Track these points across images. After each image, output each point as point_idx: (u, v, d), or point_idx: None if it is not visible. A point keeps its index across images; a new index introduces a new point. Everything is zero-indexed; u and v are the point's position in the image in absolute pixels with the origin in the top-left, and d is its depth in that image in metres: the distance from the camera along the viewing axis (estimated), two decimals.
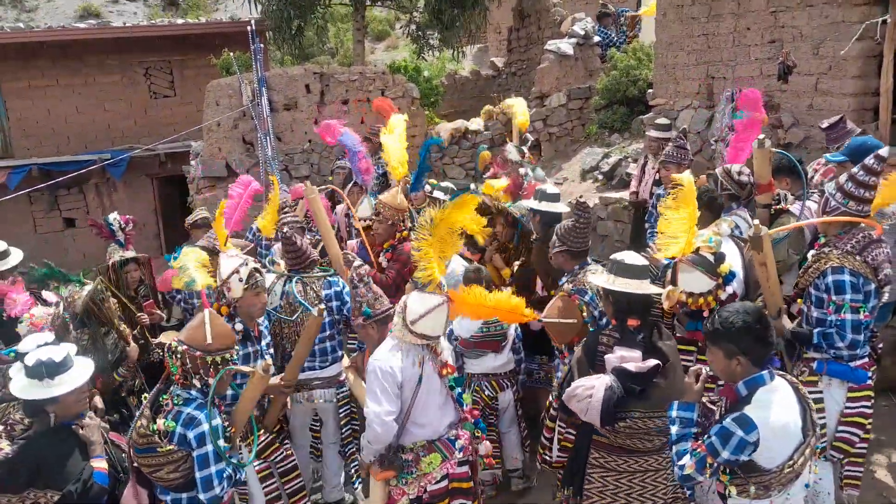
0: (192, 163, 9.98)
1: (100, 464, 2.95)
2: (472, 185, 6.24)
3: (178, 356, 2.92)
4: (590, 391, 2.92)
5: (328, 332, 4.32)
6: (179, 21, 14.79)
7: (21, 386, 2.95)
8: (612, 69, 9.61)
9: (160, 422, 2.87)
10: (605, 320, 3.58)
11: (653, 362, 2.95)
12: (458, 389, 3.40)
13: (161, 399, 2.96)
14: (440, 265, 3.33)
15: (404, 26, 13.13)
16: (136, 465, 2.96)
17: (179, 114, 12.92)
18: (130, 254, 5.43)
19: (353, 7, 12.20)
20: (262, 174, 8.98)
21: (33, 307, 4.19)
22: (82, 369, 3.06)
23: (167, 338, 4.90)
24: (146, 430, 2.85)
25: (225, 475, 2.93)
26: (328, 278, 4.38)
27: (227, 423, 3.08)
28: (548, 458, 3.63)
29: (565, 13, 11.51)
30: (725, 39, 7.36)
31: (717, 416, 2.70)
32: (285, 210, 5.62)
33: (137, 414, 3.02)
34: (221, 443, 2.92)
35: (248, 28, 9.70)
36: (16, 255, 5.29)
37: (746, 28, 7.12)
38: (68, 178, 10.89)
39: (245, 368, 3.21)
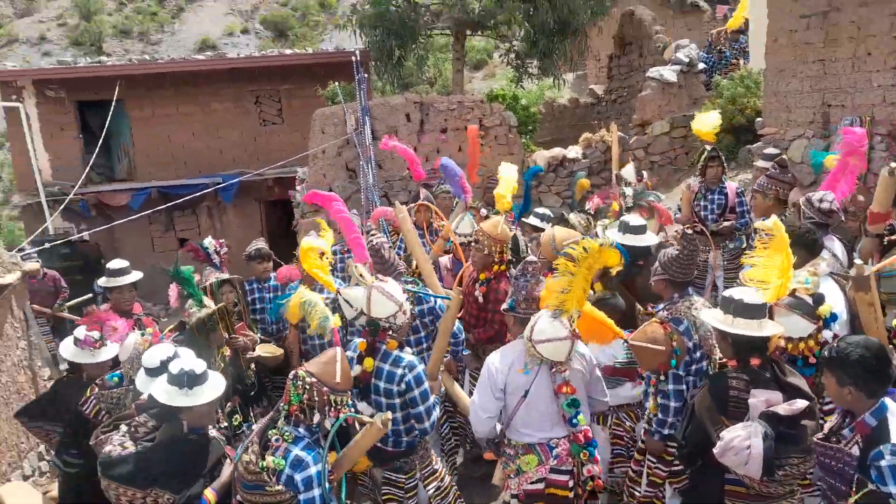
0: (298, 188, 10.40)
1: (210, 495, 3.06)
2: (571, 214, 6.17)
3: (306, 388, 2.90)
4: (746, 442, 2.79)
5: (424, 345, 4.42)
6: (288, 52, 15.53)
7: (162, 391, 3.11)
8: (718, 97, 9.32)
9: (269, 459, 2.86)
10: (699, 353, 3.56)
11: (802, 403, 2.85)
12: (574, 411, 3.33)
13: (269, 433, 2.96)
14: (581, 298, 3.37)
15: (503, 55, 13.25)
16: (238, 499, 2.98)
17: (286, 141, 13.52)
18: (225, 276, 5.70)
19: (453, 37, 12.43)
20: (364, 201, 9.25)
21: (131, 333, 4.43)
22: (217, 384, 3.23)
23: (263, 349, 5.10)
24: (255, 468, 2.85)
25: None
26: (419, 294, 4.42)
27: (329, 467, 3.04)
28: (637, 492, 3.60)
29: (668, 40, 11.29)
30: (844, 65, 6.99)
31: (850, 451, 2.60)
32: (371, 231, 5.76)
33: (242, 446, 3.06)
34: (323, 489, 2.88)
35: (353, 59, 10.08)
36: (134, 275, 5.66)
37: (867, 53, 6.74)
38: (183, 200, 11.62)
39: (365, 418, 3.14)
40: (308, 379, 2.92)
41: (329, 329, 3.75)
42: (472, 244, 5.06)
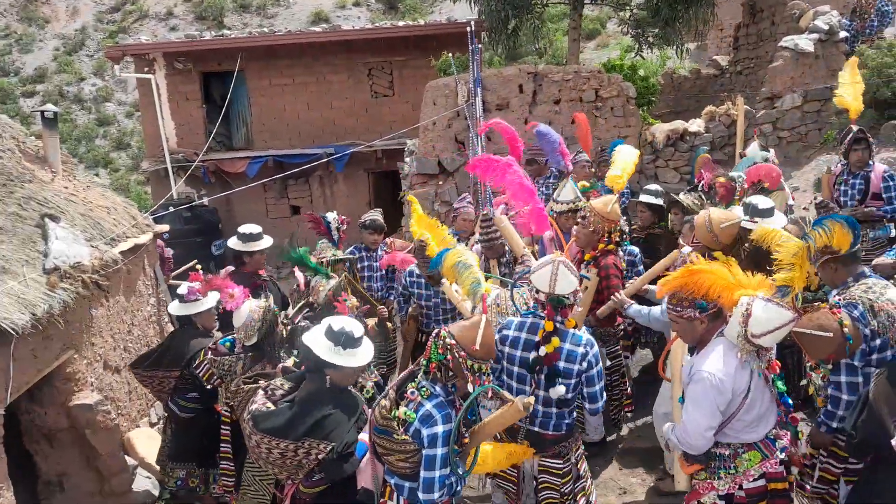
0: (407, 159, 10.45)
1: (363, 436, 3.17)
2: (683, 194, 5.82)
3: (445, 347, 2.91)
4: None
5: None
6: (401, 24, 15.57)
7: (319, 343, 3.19)
8: (861, 67, 8.52)
9: (401, 409, 2.91)
10: (878, 342, 3.24)
11: None
12: (782, 387, 3.13)
13: (408, 385, 3.00)
14: (803, 278, 3.27)
15: (621, 24, 12.71)
16: (373, 441, 3.07)
17: (397, 112, 13.62)
18: (341, 254, 5.78)
19: (570, 6, 12.03)
20: (471, 174, 9.16)
21: (247, 300, 4.57)
22: (368, 351, 3.29)
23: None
24: (387, 413, 2.92)
25: (447, 482, 2.91)
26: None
27: (463, 436, 3.03)
28: (808, 486, 3.40)
29: (805, 6, 10.42)
30: None
31: None
32: (486, 220, 5.62)
33: (384, 393, 3.12)
34: (447, 450, 2.87)
35: (468, 29, 9.93)
36: (267, 240, 5.86)
37: None
38: (297, 170, 11.99)
39: (506, 395, 3.12)
40: (448, 340, 2.91)
41: (479, 295, 3.61)
42: (579, 221, 4.88)
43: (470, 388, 2.92)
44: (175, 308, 4.84)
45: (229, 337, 4.27)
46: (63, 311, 4.47)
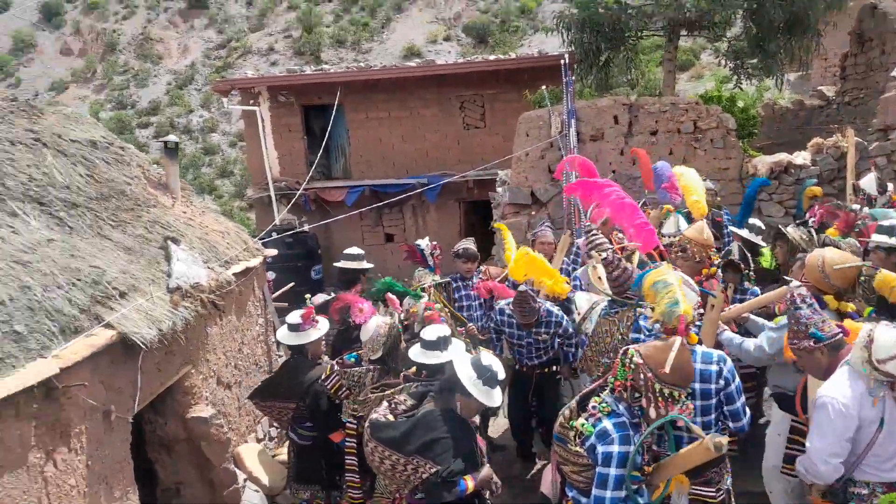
0: (499, 189, 10.58)
1: (470, 482, 3.18)
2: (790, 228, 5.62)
3: (631, 367, 2.81)
4: None
5: None
6: (492, 58, 15.86)
7: (465, 372, 3.29)
8: None
9: (580, 421, 2.87)
10: None
11: None
12: None
13: (593, 398, 2.95)
14: None
15: (720, 55, 12.50)
16: (553, 448, 3.08)
17: (488, 144, 13.83)
18: (437, 279, 5.92)
19: (665, 37, 11.95)
20: (565, 203, 9.18)
21: (374, 315, 4.75)
22: (500, 396, 3.38)
23: None
24: (566, 422, 2.93)
25: None
26: (638, 319, 4.26)
27: (646, 464, 2.88)
28: None
29: None
30: None
31: None
32: (592, 231, 5.62)
33: (568, 405, 3.09)
34: (623, 472, 2.74)
35: (562, 62, 10.06)
36: (367, 264, 6.12)
37: None
38: (392, 200, 12.33)
39: (696, 430, 2.89)
40: (635, 358, 2.81)
41: (676, 315, 3.46)
42: (678, 253, 4.90)
43: (653, 413, 2.76)
44: (285, 337, 4.99)
45: (353, 354, 4.47)
46: (184, 328, 4.79)
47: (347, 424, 4.40)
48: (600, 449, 2.77)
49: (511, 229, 9.28)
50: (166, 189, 6.19)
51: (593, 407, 2.88)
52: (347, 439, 4.41)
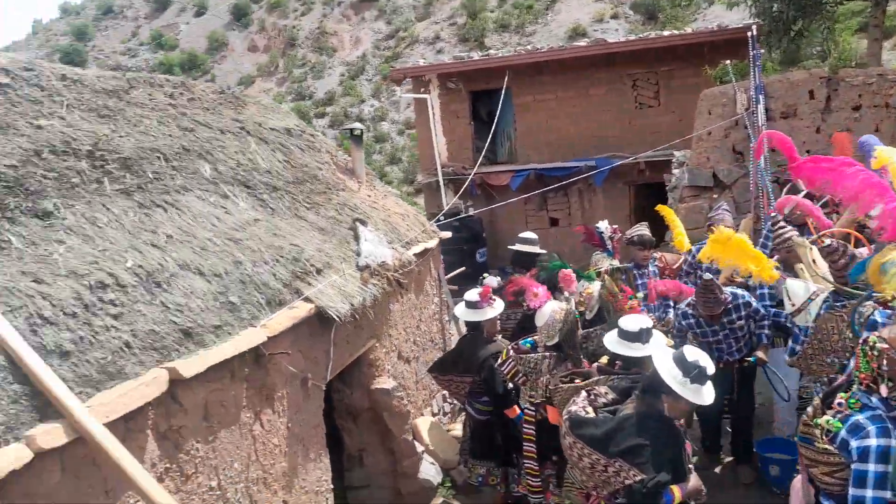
0: (676, 171, 10.08)
1: (677, 492, 3.01)
2: None
3: (875, 353, 2.60)
4: None
5: None
6: (666, 33, 15.09)
7: (666, 367, 3.09)
8: None
9: (825, 418, 2.71)
10: None
11: None
12: None
13: (839, 395, 2.78)
14: None
15: None
16: (800, 452, 2.90)
17: (661, 123, 13.21)
18: (616, 263, 5.72)
19: (871, 2, 10.70)
20: (752, 186, 8.55)
21: (549, 300, 4.69)
22: (711, 392, 3.14)
23: None
24: (809, 420, 2.77)
25: None
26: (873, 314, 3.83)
27: None
28: None
29: None
30: None
31: None
32: (777, 223, 5.15)
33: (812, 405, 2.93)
34: (886, 469, 2.54)
35: (748, 34, 9.33)
36: (539, 248, 6.09)
37: None
38: (559, 185, 12.19)
39: None
40: (879, 345, 2.59)
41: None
42: None
43: None
44: (463, 313, 5.13)
45: (529, 339, 4.46)
46: (372, 303, 5.03)
47: (526, 411, 4.40)
48: (854, 443, 2.55)
49: (690, 213, 8.85)
50: (352, 174, 6.53)
51: (839, 403, 2.66)
52: (526, 426, 4.40)
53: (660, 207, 7.72)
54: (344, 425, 5.57)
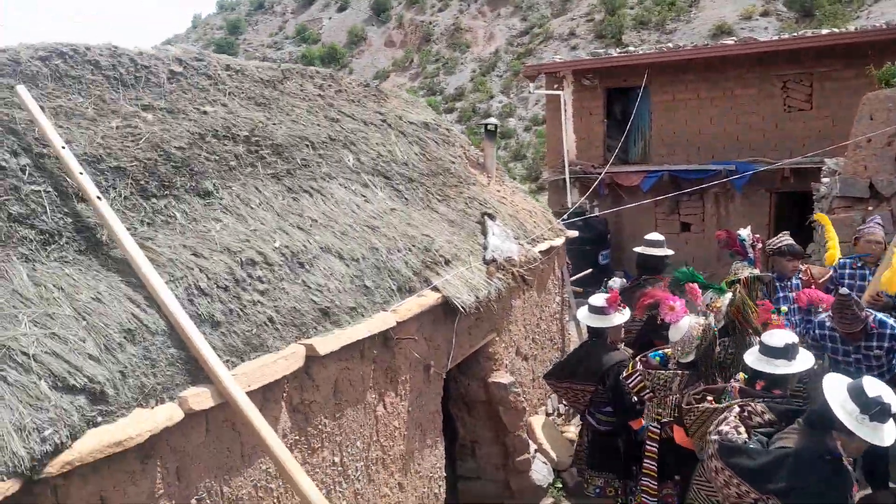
0: (825, 180, 9.37)
1: None
2: None
3: None
4: None
5: None
6: (825, 31, 14.02)
7: (838, 402, 2.77)
8: None
9: None
10: None
11: None
12: None
13: None
14: None
15: None
16: None
17: (813, 128, 12.33)
18: (757, 272, 5.38)
19: None
20: None
21: (686, 315, 4.44)
22: (893, 431, 2.79)
23: None
24: None
25: None
26: None
27: None
28: None
29: None
30: None
31: None
32: None
33: None
34: None
35: None
36: (667, 250, 5.86)
37: None
38: (694, 189, 11.67)
39: None
40: None
41: None
42: None
43: None
44: (587, 318, 4.94)
45: (659, 352, 4.31)
46: (496, 297, 5.06)
47: (650, 428, 4.24)
48: None
49: (839, 226, 8.21)
50: (483, 168, 6.59)
51: None
52: (648, 443, 4.23)
53: (818, 216, 7.22)
54: (459, 415, 5.66)
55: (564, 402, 5.89)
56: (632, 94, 13.95)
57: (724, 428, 3.05)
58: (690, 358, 3.91)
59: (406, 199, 5.08)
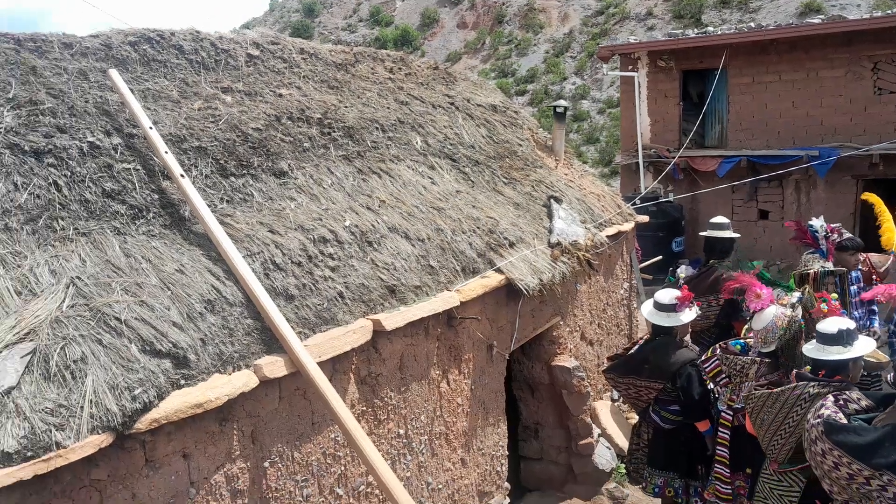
0: None
1: None
2: None
3: None
4: None
5: None
6: None
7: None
8: None
9: None
10: None
11: None
12: None
13: None
14: None
15: None
16: None
17: None
18: (830, 266, 5.16)
19: None
20: None
21: (772, 304, 4.28)
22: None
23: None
24: None
25: None
26: None
27: None
28: None
29: None
30: None
31: None
32: None
33: None
34: None
35: None
36: (732, 233, 5.70)
37: None
38: (774, 175, 11.24)
39: None
40: None
41: None
42: None
43: None
44: (653, 316, 4.70)
45: (740, 340, 4.23)
46: (560, 281, 5.08)
47: (722, 414, 4.16)
48: None
49: None
50: (551, 151, 6.57)
51: None
52: (721, 430, 4.15)
53: (867, 196, 6.88)
54: (522, 396, 5.71)
55: (622, 397, 5.77)
56: (709, 76, 13.50)
57: (825, 412, 2.99)
58: (772, 348, 3.82)
59: (472, 181, 5.14)
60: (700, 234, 6.13)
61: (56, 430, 2.10)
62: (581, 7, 42.35)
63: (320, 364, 2.99)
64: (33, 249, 2.57)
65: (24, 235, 2.58)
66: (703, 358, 4.32)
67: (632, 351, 4.79)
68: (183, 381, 2.51)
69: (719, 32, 14.35)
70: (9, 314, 2.32)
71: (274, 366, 2.83)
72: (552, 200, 5.65)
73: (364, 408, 3.46)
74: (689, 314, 4.61)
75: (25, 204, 2.65)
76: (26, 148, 2.79)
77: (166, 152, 3.10)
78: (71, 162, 2.87)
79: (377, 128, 4.67)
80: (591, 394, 5.94)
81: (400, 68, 5.62)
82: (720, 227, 5.73)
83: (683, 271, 6.04)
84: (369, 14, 51.63)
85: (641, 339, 4.92)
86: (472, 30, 46.25)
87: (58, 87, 3.12)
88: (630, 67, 14.50)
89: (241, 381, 2.69)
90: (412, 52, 42.07)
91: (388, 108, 4.99)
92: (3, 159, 2.69)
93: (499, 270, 4.46)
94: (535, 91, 36.09)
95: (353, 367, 3.36)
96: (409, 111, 5.18)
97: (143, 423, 2.31)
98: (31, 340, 2.25)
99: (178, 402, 2.41)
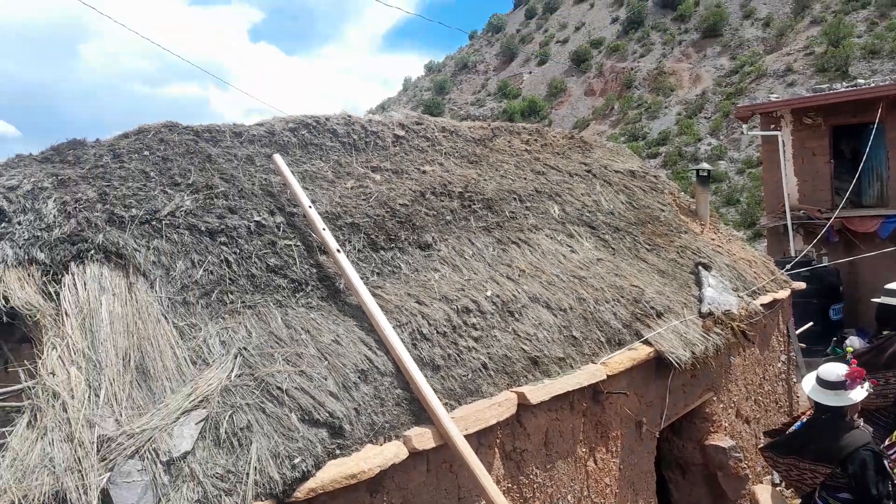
0: None
1: None
2: None
3: None
4: None
5: None
6: None
7: None
8: None
9: None
10: None
11: None
12: None
13: None
14: None
15: None
16: None
17: None
18: None
19: None
20: None
21: None
22: None
23: None
24: None
25: None
26: None
27: None
28: None
29: None
30: None
31: None
32: None
33: None
34: None
35: None
36: None
37: None
38: None
39: None
40: None
41: None
42: None
43: None
44: (817, 394, 4.22)
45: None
46: (714, 354, 4.77)
47: None
48: None
49: None
50: (695, 215, 6.32)
51: None
52: None
53: None
54: (672, 477, 5.34)
55: (783, 480, 5.20)
56: (863, 131, 12.58)
57: None
58: None
59: (613, 248, 5.02)
60: (872, 300, 5.58)
61: (225, 495, 2.20)
62: (713, 67, 41.46)
63: (466, 437, 2.96)
64: (206, 321, 2.77)
65: (199, 308, 2.80)
66: (886, 443, 3.84)
67: (793, 428, 4.35)
68: (338, 451, 2.56)
69: (872, 84, 13.44)
70: (186, 382, 2.49)
71: (423, 437, 2.83)
72: (700, 267, 5.39)
73: (509, 484, 3.36)
74: (860, 392, 4.12)
75: (201, 279, 2.88)
76: (202, 228, 3.06)
77: (324, 229, 3.28)
78: (240, 240, 3.11)
79: (515, 198, 4.71)
80: (750, 476, 5.45)
81: (536, 139, 5.69)
82: (894, 293, 5.21)
83: (854, 342, 5.49)
84: (497, 88, 53.28)
85: (803, 413, 4.46)
86: (599, 96, 46.43)
87: (229, 172, 3.42)
88: (772, 126, 13.85)
89: (392, 452, 2.70)
90: (540, 121, 42.72)
91: (525, 178, 5.04)
92: (183, 239, 2.96)
93: (646, 342, 4.27)
94: (669, 153, 35.31)
95: (497, 441, 3.29)
96: (546, 180, 5.20)
97: (301, 492, 2.36)
98: (203, 408, 2.40)
99: (334, 473, 2.46)
